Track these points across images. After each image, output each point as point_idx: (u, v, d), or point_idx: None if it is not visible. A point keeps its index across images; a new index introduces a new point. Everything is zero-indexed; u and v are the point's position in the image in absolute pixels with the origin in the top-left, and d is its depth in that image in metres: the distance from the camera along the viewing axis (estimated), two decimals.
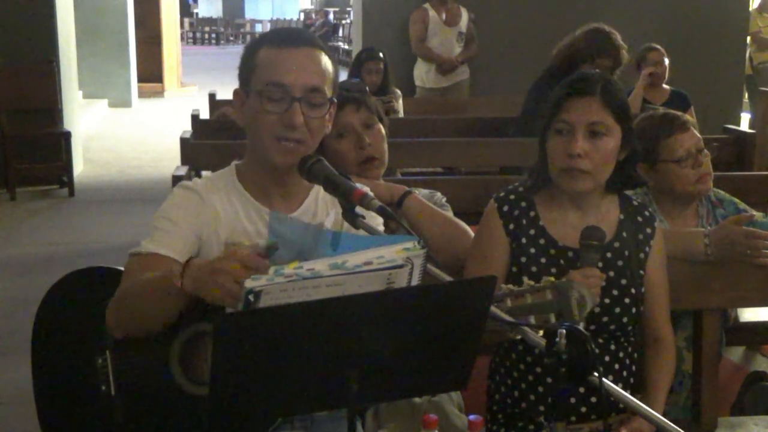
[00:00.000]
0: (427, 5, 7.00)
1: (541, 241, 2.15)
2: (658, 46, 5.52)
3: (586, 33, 4.35)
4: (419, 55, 7.04)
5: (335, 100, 1.92)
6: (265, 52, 1.86)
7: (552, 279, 1.68)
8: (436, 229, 2.31)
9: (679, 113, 2.75)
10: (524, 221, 2.16)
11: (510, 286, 1.73)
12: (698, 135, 2.67)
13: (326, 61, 1.88)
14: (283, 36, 1.90)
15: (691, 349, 2.55)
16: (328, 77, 1.88)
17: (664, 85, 5.54)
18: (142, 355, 1.80)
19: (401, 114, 5.81)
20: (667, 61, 5.47)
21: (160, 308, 1.70)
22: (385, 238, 1.63)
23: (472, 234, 2.35)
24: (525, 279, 1.75)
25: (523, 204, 2.18)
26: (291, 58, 1.84)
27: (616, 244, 2.17)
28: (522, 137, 4.26)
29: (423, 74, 7.03)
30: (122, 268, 1.95)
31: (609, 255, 2.15)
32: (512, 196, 2.20)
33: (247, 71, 1.89)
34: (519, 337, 1.62)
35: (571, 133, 2.07)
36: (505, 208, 2.18)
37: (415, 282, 1.44)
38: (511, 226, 2.16)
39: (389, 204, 2.30)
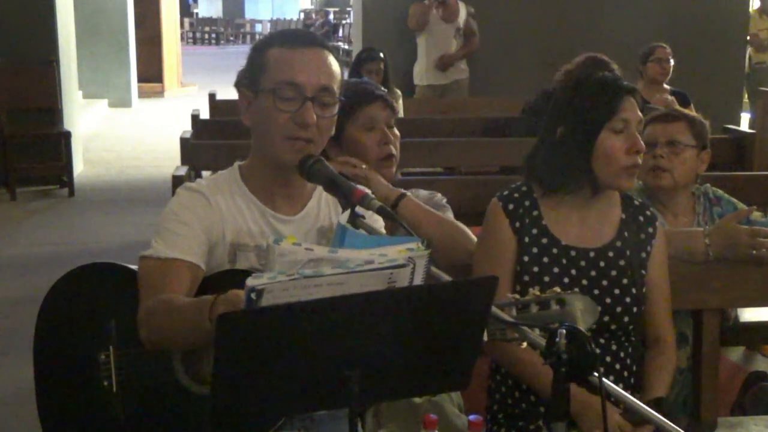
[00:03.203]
0: (425, 1, 6.98)
1: (544, 241, 2.15)
2: (665, 45, 5.54)
3: (584, 61, 4.42)
4: (416, 20, 6.93)
5: (342, 100, 1.93)
6: (276, 52, 1.86)
7: (557, 289, 1.68)
8: (434, 230, 2.31)
9: (682, 110, 2.79)
10: (527, 220, 2.17)
11: (516, 295, 1.73)
12: (677, 130, 2.70)
13: (335, 62, 1.89)
14: (294, 36, 1.90)
15: (682, 347, 2.55)
16: (336, 78, 1.88)
17: (665, 85, 5.55)
18: (145, 352, 1.80)
19: (401, 114, 5.82)
20: (672, 60, 5.49)
21: (192, 338, 1.68)
22: (389, 238, 1.63)
23: (470, 234, 2.35)
24: (530, 290, 1.75)
25: (527, 203, 2.18)
26: (303, 58, 1.84)
27: (618, 244, 2.17)
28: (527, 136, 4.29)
29: (422, 72, 7.02)
30: (126, 265, 1.95)
31: (611, 254, 2.15)
32: (516, 195, 2.20)
33: (256, 71, 1.88)
34: (524, 344, 1.62)
35: (628, 130, 2.09)
36: (510, 207, 2.18)
37: (416, 282, 1.44)
38: (517, 224, 2.17)
39: None
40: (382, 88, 2.61)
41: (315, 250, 1.37)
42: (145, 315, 1.76)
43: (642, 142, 2.10)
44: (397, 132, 2.54)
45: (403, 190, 2.43)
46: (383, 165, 2.47)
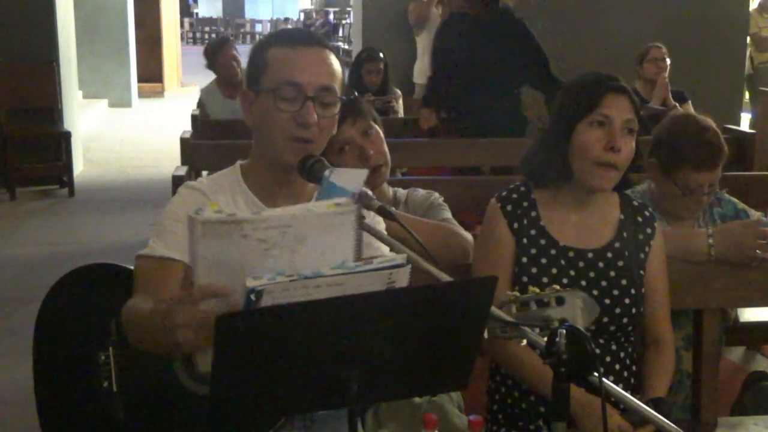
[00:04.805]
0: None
1: (542, 242, 2.15)
2: (660, 45, 5.55)
3: None
4: (416, 15, 6.93)
5: (343, 99, 1.92)
6: (277, 51, 1.86)
7: (557, 287, 1.68)
8: (425, 238, 2.29)
9: (721, 144, 2.63)
10: (525, 221, 2.16)
11: (515, 293, 1.73)
12: (719, 173, 2.62)
13: (336, 62, 1.89)
14: (294, 36, 1.89)
15: (689, 348, 2.55)
16: (338, 77, 1.88)
17: None
18: (145, 352, 1.80)
19: (401, 114, 5.82)
20: (668, 60, 5.49)
21: (163, 345, 1.60)
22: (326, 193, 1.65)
23: (463, 232, 2.35)
24: (530, 288, 1.75)
25: (525, 204, 2.18)
26: (304, 58, 1.84)
27: (617, 245, 2.17)
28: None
29: (422, 70, 7.02)
30: (126, 265, 1.95)
31: (609, 255, 2.15)
32: (514, 195, 2.20)
33: (256, 71, 1.87)
34: (524, 342, 1.62)
35: (609, 127, 2.07)
36: (509, 208, 2.18)
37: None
38: (515, 225, 2.16)
39: None
40: (347, 100, 2.53)
41: (237, 214, 1.39)
42: (124, 314, 1.74)
43: (620, 141, 2.05)
44: (379, 132, 2.49)
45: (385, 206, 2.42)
46: (373, 177, 2.43)
